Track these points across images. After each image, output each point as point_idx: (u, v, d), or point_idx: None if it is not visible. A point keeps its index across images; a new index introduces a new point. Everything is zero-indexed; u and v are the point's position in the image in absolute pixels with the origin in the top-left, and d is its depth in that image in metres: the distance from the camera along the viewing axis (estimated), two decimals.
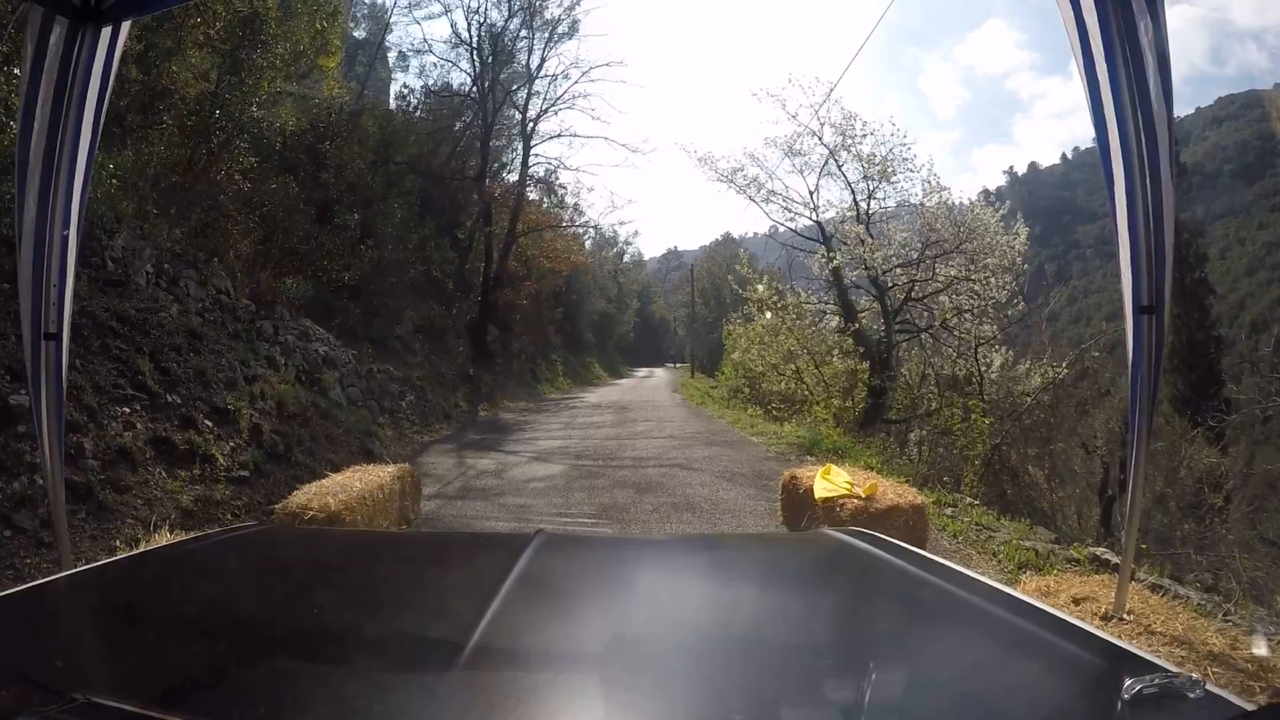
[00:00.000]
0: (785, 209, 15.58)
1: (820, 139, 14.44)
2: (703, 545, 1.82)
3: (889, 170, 14.34)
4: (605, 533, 4.44)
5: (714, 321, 36.91)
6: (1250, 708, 0.65)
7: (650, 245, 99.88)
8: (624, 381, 28.57)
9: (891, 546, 1.25)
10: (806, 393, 14.85)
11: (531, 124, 18.92)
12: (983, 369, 13.79)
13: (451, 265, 17.10)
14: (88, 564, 1.40)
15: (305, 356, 8.11)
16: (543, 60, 18.45)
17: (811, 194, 15.60)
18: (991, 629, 0.91)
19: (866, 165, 14.48)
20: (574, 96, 18.65)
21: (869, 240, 14.44)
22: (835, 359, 14.99)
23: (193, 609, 0.99)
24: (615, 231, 36.31)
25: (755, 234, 53.66)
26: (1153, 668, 0.72)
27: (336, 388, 8.34)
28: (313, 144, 12.11)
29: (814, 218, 15.67)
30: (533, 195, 20.63)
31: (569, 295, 27.44)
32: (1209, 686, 0.67)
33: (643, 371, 41.05)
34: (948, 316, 15.52)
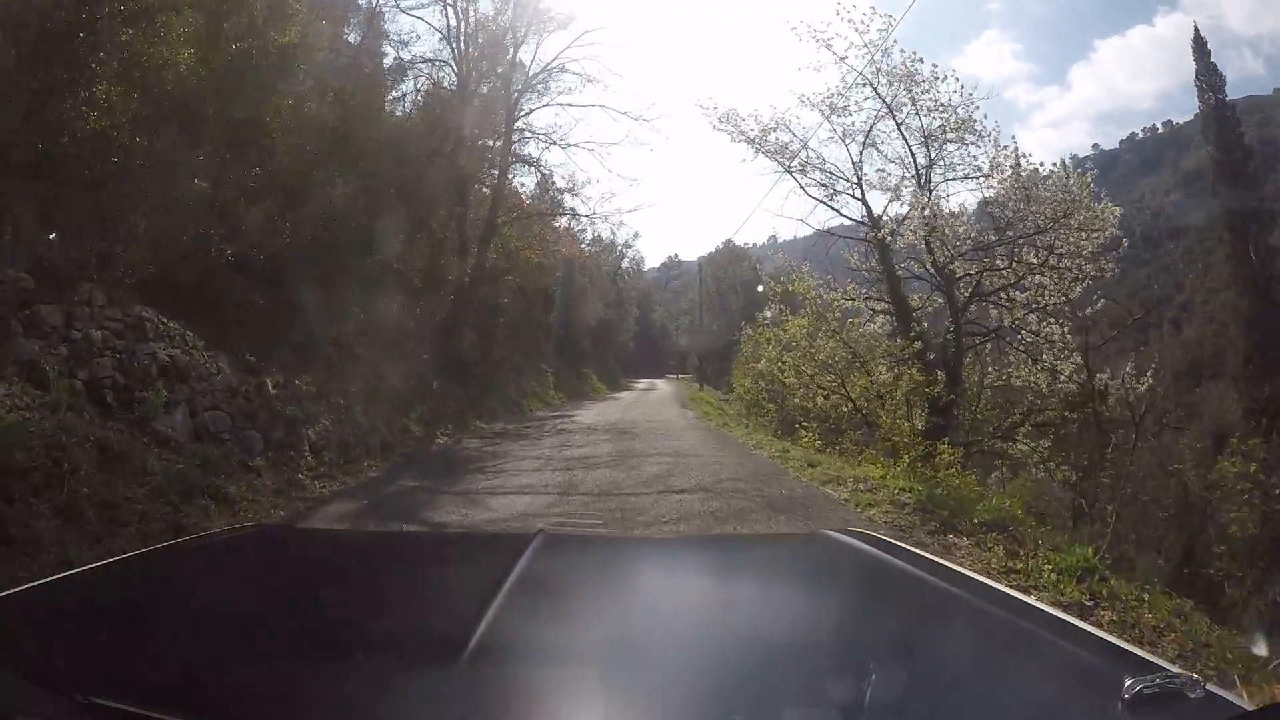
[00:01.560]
0: (824, 185, 12.66)
1: (875, 89, 11.48)
2: (703, 546, 1.91)
3: (961, 125, 11.35)
4: (606, 532, 4.14)
5: (720, 330, 34.16)
6: (1250, 708, 0.65)
7: (650, 255, 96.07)
8: (624, 395, 25.52)
9: (891, 546, 1.26)
10: (850, 410, 11.88)
11: (516, 94, 16.06)
12: (1096, 382, 10.93)
13: (424, 259, 14.12)
14: (87, 564, 1.17)
15: (121, 363, 5.09)
16: (527, 30, 15.59)
17: (856, 165, 12.72)
18: (991, 629, 0.91)
19: (930, 120, 11.47)
20: (566, 62, 15.80)
21: (936, 218, 11.52)
22: (882, 369, 12.02)
23: (193, 609, 0.97)
24: (614, 234, 33.58)
25: (756, 243, 51.18)
26: (1153, 667, 0.72)
27: (180, 414, 5.32)
28: (223, 89, 9.22)
29: (858, 195, 12.78)
30: (521, 186, 17.76)
31: (564, 298, 24.50)
32: (1209, 686, 0.66)
33: (643, 383, 38.16)
34: (1018, 315, 12.63)
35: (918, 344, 11.46)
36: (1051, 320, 12.71)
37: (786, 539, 2.68)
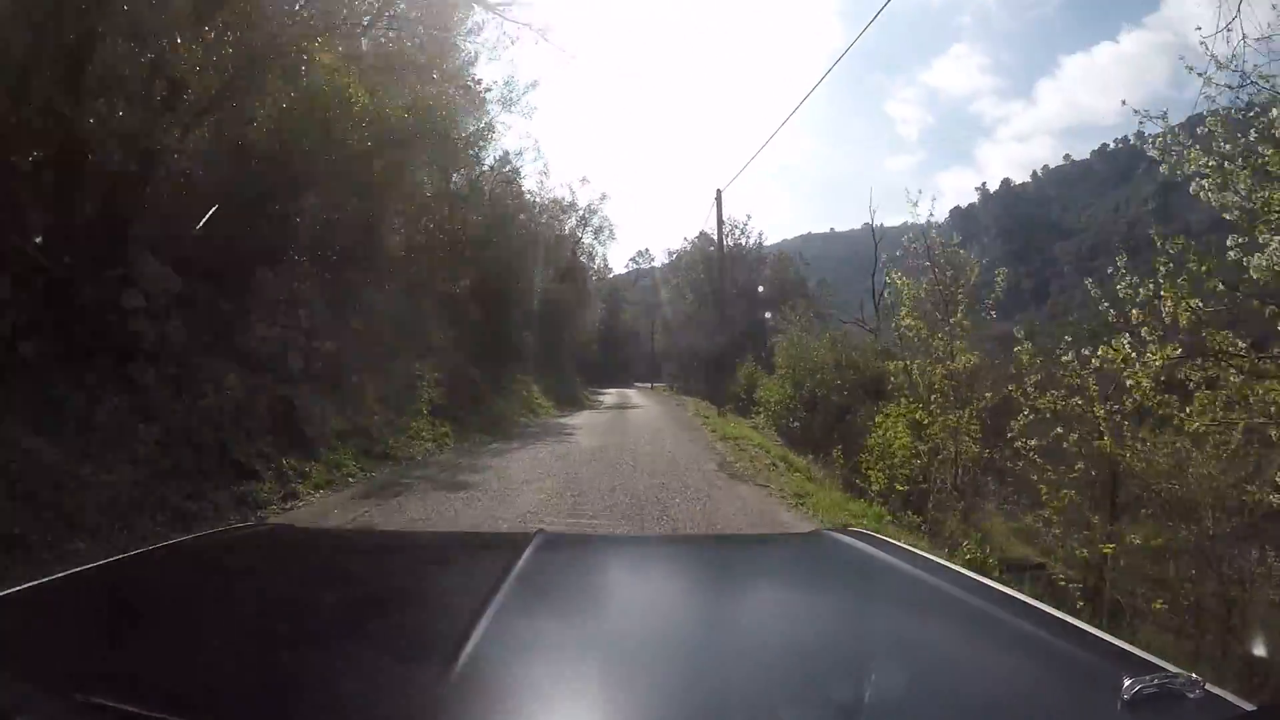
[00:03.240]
0: None
1: None
2: (702, 545, 1.94)
3: None
4: (605, 532, 4.20)
5: (716, 326, 24.69)
6: (1250, 708, 0.64)
7: (615, 255, 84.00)
8: (581, 420, 15.51)
9: (890, 546, 1.25)
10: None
11: None
12: None
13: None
14: (87, 564, 1.11)
15: None
16: None
17: None
18: (991, 629, 0.90)
19: None
20: None
21: None
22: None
23: (193, 609, 0.97)
24: (574, 192, 23.89)
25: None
26: (1152, 668, 0.71)
27: None
28: None
29: None
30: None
31: (484, 252, 14.61)
32: (1209, 686, 0.65)
33: (610, 395, 28.41)
34: None
35: None
36: None
37: (786, 539, 2.64)
